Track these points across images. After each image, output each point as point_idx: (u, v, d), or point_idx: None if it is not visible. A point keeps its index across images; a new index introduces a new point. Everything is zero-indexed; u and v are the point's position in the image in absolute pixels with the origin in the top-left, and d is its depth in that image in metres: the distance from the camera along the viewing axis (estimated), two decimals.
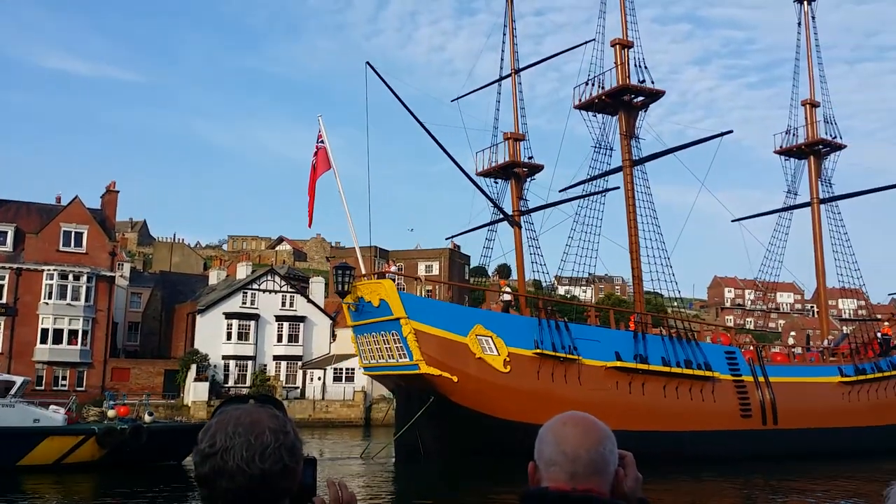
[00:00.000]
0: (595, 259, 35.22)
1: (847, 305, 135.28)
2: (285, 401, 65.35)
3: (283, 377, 70.41)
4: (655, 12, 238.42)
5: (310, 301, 73.94)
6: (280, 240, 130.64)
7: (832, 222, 39.51)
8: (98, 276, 60.13)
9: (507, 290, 35.47)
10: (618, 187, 33.86)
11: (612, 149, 35.52)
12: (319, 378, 70.36)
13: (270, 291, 71.90)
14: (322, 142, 31.54)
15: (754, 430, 31.90)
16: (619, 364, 30.67)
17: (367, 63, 32.02)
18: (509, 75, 35.92)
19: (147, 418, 29.36)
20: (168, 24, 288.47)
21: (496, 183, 36.20)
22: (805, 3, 41.46)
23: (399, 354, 30.23)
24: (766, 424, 32.27)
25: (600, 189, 34.95)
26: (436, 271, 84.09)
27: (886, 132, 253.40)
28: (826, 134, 39.81)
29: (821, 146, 39.86)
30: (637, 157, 35.03)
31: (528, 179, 36.01)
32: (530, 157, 35.70)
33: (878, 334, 38.06)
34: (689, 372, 31.37)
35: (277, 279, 73.00)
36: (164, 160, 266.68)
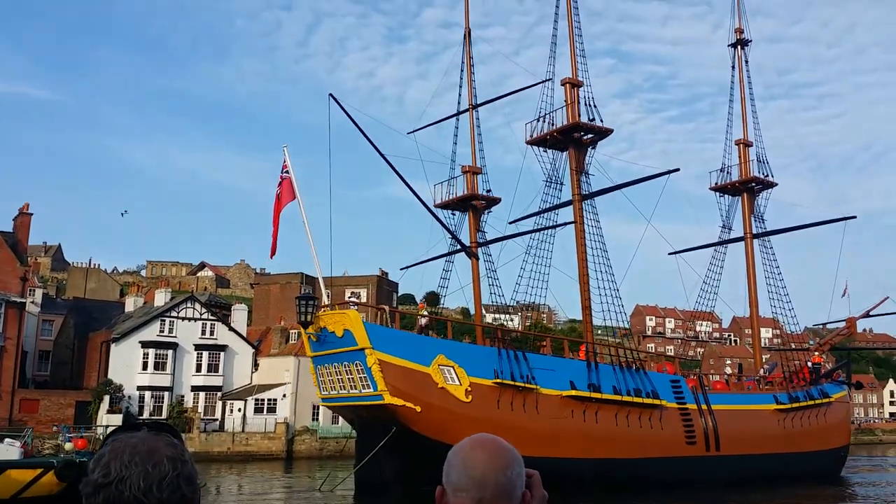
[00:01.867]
0: (546, 289, 37.63)
1: (763, 334, 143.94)
2: (203, 433, 64.69)
3: (201, 408, 69.54)
4: (578, 46, 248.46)
5: (231, 329, 73.49)
6: (202, 266, 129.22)
7: (765, 256, 43.51)
8: (7, 302, 58.37)
9: (425, 313, 37.21)
10: (573, 222, 36.37)
11: (562, 183, 38.19)
12: (240, 409, 69.98)
13: (190, 319, 71.13)
14: (287, 172, 32.69)
15: (698, 457, 34.80)
16: (573, 393, 32.95)
17: (331, 95, 33.44)
18: (466, 110, 38.15)
19: None
20: (87, 43, 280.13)
21: (453, 215, 38.23)
22: (739, 47, 45.73)
23: (362, 385, 31.42)
24: (710, 451, 35.26)
25: (552, 223, 37.44)
26: (364, 298, 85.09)
27: (798, 167, 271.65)
28: (759, 172, 43.90)
29: (754, 184, 43.89)
30: (587, 192, 37.75)
31: (486, 212, 38.24)
32: (488, 191, 37.99)
33: (809, 363, 41.99)
34: (639, 400, 34.00)
35: (198, 306, 72.32)
36: (82, 182, 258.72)
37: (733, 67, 45.47)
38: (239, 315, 76.77)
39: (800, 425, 38.65)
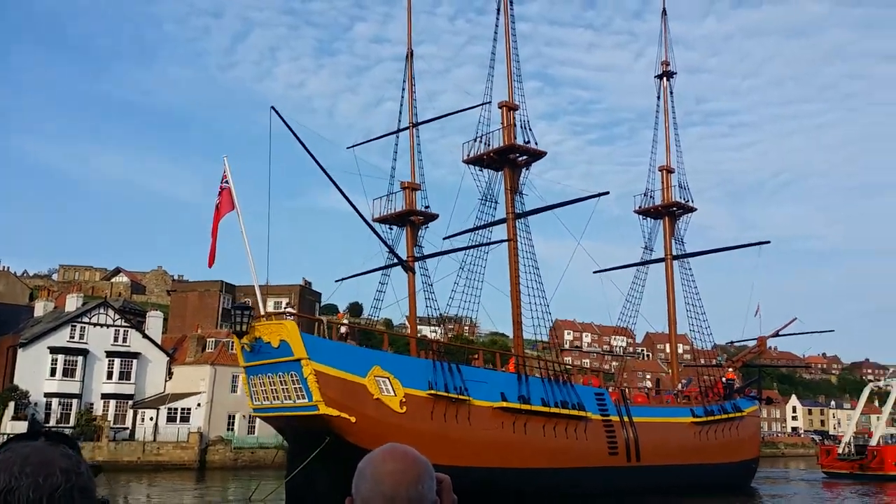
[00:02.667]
0: (478, 303, 39.06)
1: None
2: (112, 442, 63.48)
3: (111, 417, 68.25)
4: (515, 71, 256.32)
5: (145, 336, 72.40)
6: (117, 271, 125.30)
7: (684, 276, 46.31)
8: None
9: (345, 321, 38.16)
10: (508, 240, 37.95)
11: (496, 201, 39.82)
12: (152, 418, 69.03)
13: (102, 325, 69.81)
14: (227, 182, 33.00)
15: (620, 467, 36.80)
16: (504, 405, 34.41)
17: (272, 108, 33.95)
18: (406, 128, 39.29)
19: None
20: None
21: (391, 229, 39.23)
22: (664, 79, 48.62)
23: (297, 395, 31.97)
24: (631, 461, 37.33)
25: (486, 240, 38.95)
26: (284, 307, 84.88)
27: (713, 192, 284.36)
28: (680, 198, 46.73)
29: (675, 208, 46.66)
30: (520, 211, 39.47)
31: (423, 227, 39.40)
32: (427, 207, 39.20)
33: (724, 379, 44.85)
34: (566, 412, 35.75)
35: (111, 312, 71.03)
36: None
37: (658, 98, 48.45)
38: (154, 322, 75.53)
39: (714, 438, 41.35)
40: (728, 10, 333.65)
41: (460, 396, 33.40)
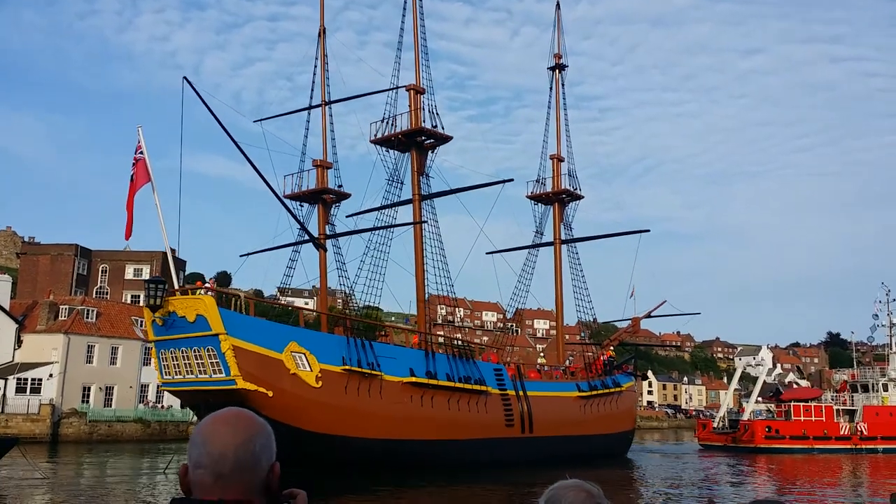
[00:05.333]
0: (382, 282, 42.73)
1: (540, 325, 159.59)
2: None
3: None
4: (387, 37, 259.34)
5: None
6: None
7: (572, 259, 51.93)
8: None
9: (202, 291, 40.19)
10: (418, 222, 41.68)
11: (403, 182, 43.45)
12: None
13: None
14: (141, 153, 34.65)
15: (516, 438, 41.85)
16: (413, 380, 38.37)
17: (185, 78, 35.57)
18: (318, 105, 41.91)
19: None
20: None
21: (302, 207, 41.91)
22: (557, 71, 53.62)
23: (214, 370, 34.39)
24: (525, 433, 42.43)
25: (392, 219, 42.57)
26: (146, 275, 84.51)
27: (581, 174, 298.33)
28: (569, 186, 52.14)
29: (564, 195, 52.02)
30: (426, 193, 43.34)
31: (335, 206, 42.34)
32: (339, 186, 42.12)
33: (604, 357, 51.02)
34: (469, 387, 40.21)
35: None
36: None
37: (551, 89, 53.44)
38: (1, 286, 73.82)
39: (597, 411, 47.32)
40: None
41: (372, 372, 36.96)
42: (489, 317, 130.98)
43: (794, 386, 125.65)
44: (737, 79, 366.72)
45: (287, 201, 39.79)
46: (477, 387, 40.64)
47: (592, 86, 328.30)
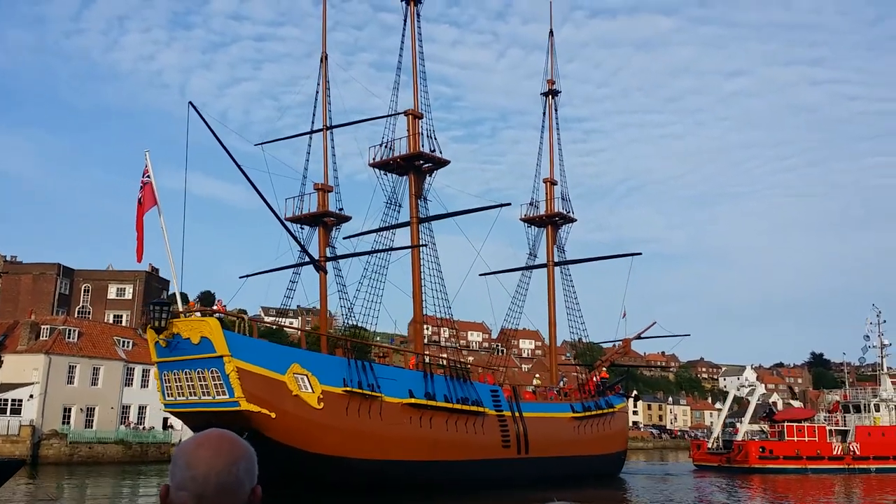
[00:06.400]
0: (379, 304, 44.30)
1: (525, 345, 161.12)
2: None
3: None
4: (372, 58, 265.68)
5: None
6: None
7: (565, 281, 53.83)
8: None
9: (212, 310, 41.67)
10: (416, 246, 43.35)
11: (400, 205, 45.15)
12: None
13: None
14: (148, 177, 36.05)
15: (512, 459, 43.42)
16: (412, 401, 39.86)
17: (190, 103, 37.00)
18: (320, 130, 43.56)
19: None
20: None
21: (302, 229, 43.45)
22: (550, 96, 55.82)
23: (217, 391, 35.61)
24: (521, 453, 44.00)
25: (390, 241, 44.20)
26: (129, 295, 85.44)
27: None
28: (562, 209, 54.16)
29: (557, 218, 54.00)
30: (424, 216, 45.06)
31: (335, 229, 43.93)
32: (340, 209, 43.75)
33: (598, 378, 52.86)
34: (466, 408, 41.77)
35: None
36: None
37: (544, 114, 55.66)
38: None
39: (590, 431, 49.06)
40: (585, 19, 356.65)
41: (373, 393, 38.42)
42: (474, 337, 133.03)
43: (783, 407, 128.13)
44: (721, 101, 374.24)
45: (288, 224, 41.26)
46: (474, 408, 42.20)
47: (578, 108, 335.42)
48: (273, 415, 35.56)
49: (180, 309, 37.12)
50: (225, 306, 39.90)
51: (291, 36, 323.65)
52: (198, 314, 39.10)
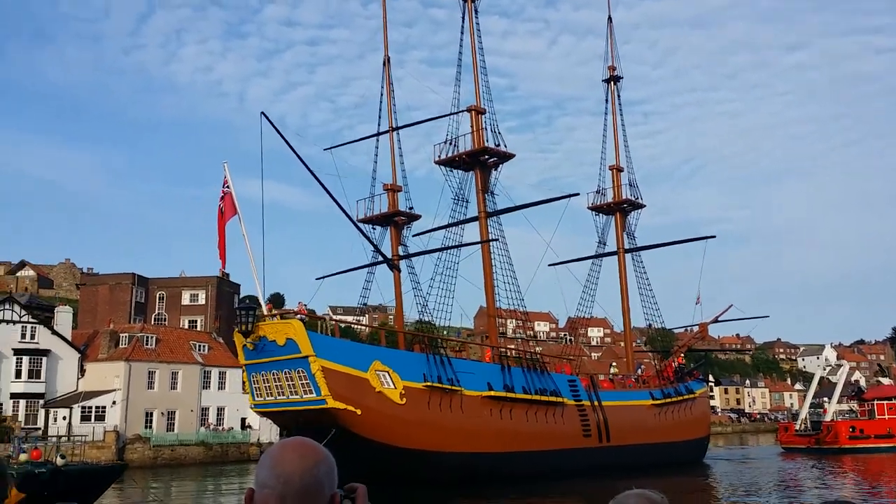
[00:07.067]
0: (452, 299, 45.64)
1: (594, 333, 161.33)
2: (26, 444, 66.22)
3: (21, 417, 70.75)
4: (423, 55, 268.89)
5: (55, 333, 74.65)
6: (22, 264, 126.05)
7: (637, 268, 54.46)
8: None
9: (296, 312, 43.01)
10: (486, 241, 44.56)
11: (468, 201, 46.36)
12: (65, 418, 71.82)
13: (8, 322, 71.80)
14: (227, 187, 37.91)
15: (593, 447, 44.44)
16: (491, 393, 41.14)
17: (262, 113, 38.66)
18: (386, 132, 45.06)
19: (59, 461, 33.54)
20: None
21: (374, 229, 45.10)
22: (612, 83, 56.36)
23: (304, 391, 37.36)
24: (602, 442, 45.00)
25: (459, 237, 45.44)
26: (202, 300, 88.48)
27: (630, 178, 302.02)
28: (630, 195, 54.78)
29: (625, 205, 54.63)
30: (492, 210, 46.20)
31: (406, 227, 45.47)
32: (410, 208, 45.26)
33: (675, 363, 53.46)
34: (545, 399, 42.87)
35: (17, 308, 73.03)
36: None
37: (606, 101, 56.28)
38: (63, 317, 77.61)
39: (671, 418, 49.76)
40: (637, 0, 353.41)
41: (453, 387, 39.81)
42: (541, 327, 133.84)
43: (867, 385, 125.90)
44: (779, 75, 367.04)
45: (361, 225, 42.85)
46: (553, 398, 43.29)
47: (635, 90, 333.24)
48: (358, 411, 37.11)
49: (264, 312, 38.91)
50: (306, 308, 41.59)
51: (342, 38, 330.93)
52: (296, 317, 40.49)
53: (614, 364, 59.98)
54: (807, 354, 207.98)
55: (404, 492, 35.54)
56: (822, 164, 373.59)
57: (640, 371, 55.03)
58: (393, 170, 45.28)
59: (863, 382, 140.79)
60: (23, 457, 32.48)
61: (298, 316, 37.76)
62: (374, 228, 45.46)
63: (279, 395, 38.30)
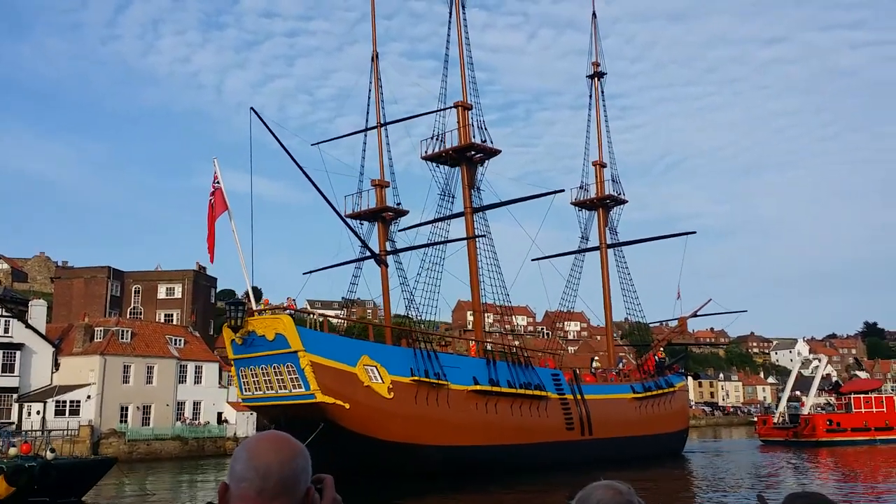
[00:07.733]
0: (438, 294, 46.64)
1: (572, 327, 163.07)
2: (16, 438, 66.37)
3: None
4: (403, 47, 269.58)
5: (28, 326, 74.70)
6: None
7: (619, 263, 55.85)
8: None
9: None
10: (471, 237, 45.61)
11: (454, 196, 47.38)
12: (39, 412, 71.98)
13: None
14: (218, 183, 38.60)
15: (576, 441, 45.75)
16: (477, 388, 42.23)
17: (252, 109, 39.34)
18: (374, 127, 45.86)
19: (49, 455, 34.12)
20: None
21: (362, 225, 45.93)
22: (595, 79, 57.55)
23: (293, 385, 38.16)
24: (584, 435, 46.31)
25: (446, 232, 46.46)
26: (178, 294, 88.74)
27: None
28: (613, 191, 56.07)
29: (608, 201, 55.93)
30: (478, 205, 47.25)
31: (393, 223, 46.37)
32: (398, 203, 46.13)
33: (655, 357, 54.96)
34: (529, 392, 44.08)
35: None
36: None
37: (590, 96, 57.43)
38: (37, 311, 77.52)
39: (652, 411, 51.28)
40: None
41: (439, 381, 40.81)
42: (518, 320, 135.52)
43: (839, 379, 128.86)
44: (758, 69, 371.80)
45: (349, 220, 43.68)
46: (537, 392, 44.51)
47: (615, 85, 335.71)
48: (347, 405, 37.98)
49: (255, 307, 39.62)
50: (295, 303, 42.40)
51: (321, 30, 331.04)
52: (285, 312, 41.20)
53: (596, 358, 61.34)
54: (779, 348, 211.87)
55: (392, 484, 36.50)
56: (799, 158, 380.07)
57: (621, 365, 56.50)
58: (381, 166, 46.20)
59: (835, 376, 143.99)
60: (12, 451, 33.01)
61: (288, 311, 38.50)
62: (361, 224, 46.33)
63: (268, 389, 39.06)
